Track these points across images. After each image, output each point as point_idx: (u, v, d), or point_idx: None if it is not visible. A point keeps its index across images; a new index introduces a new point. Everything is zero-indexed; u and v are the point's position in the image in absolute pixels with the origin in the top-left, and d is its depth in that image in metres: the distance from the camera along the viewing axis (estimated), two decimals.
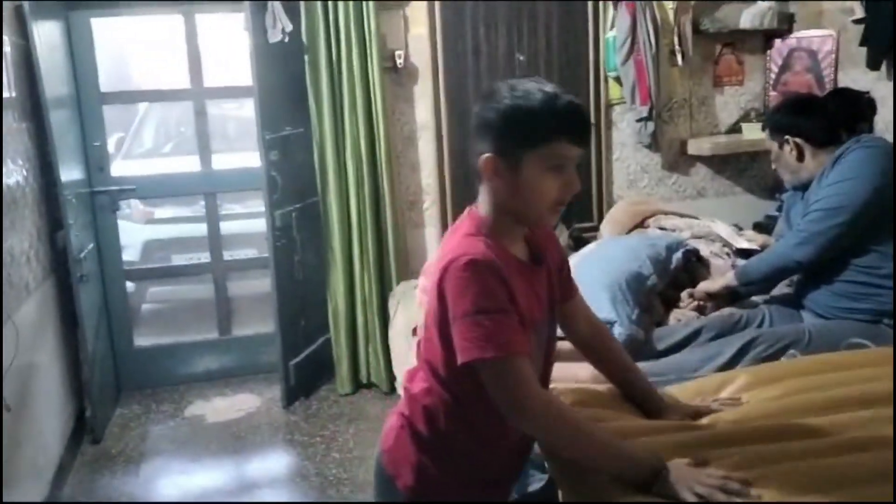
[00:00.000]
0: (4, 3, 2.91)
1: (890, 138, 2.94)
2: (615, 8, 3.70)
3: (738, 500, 1.19)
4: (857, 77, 3.52)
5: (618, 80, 3.80)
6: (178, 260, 4.49)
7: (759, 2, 3.82)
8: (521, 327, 1.28)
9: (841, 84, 3.67)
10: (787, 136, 2.36)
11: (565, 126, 1.28)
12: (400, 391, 2.53)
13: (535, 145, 1.27)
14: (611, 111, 3.91)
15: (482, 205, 1.36)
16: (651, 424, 1.45)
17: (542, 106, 1.26)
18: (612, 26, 3.73)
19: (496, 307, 1.24)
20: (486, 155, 1.29)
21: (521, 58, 3.72)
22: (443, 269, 1.27)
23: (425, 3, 3.57)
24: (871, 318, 2.19)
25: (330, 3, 3.36)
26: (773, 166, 2.49)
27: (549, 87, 1.29)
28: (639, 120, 3.82)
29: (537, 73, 3.73)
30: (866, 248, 2.21)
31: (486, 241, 1.29)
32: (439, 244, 3.32)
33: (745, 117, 3.99)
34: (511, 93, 1.28)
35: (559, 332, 1.50)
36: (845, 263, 2.24)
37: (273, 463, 3.19)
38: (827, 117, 2.36)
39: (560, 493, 1.44)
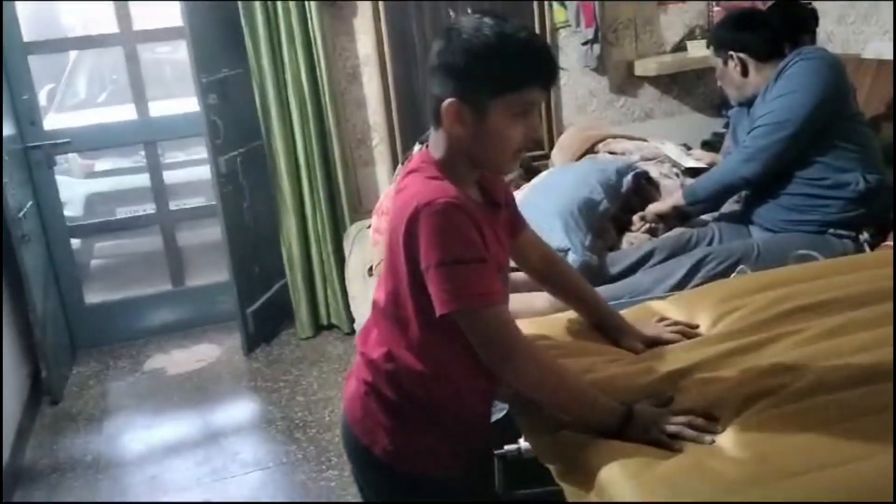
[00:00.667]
0: None
1: (831, 49, 2.96)
2: None
3: (707, 437, 1.20)
4: None
5: (562, 3, 3.73)
6: (123, 213, 4.38)
7: None
8: (497, 274, 1.27)
9: None
10: (730, 52, 2.35)
11: (538, 72, 1.23)
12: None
13: (505, 91, 1.21)
14: (556, 35, 3.84)
15: (436, 149, 1.29)
16: (616, 371, 1.42)
17: (514, 51, 1.20)
18: None
19: (474, 255, 1.20)
20: (450, 100, 1.22)
21: None
22: (412, 214, 1.20)
23: None
24: (817, 228, 2.23)
25: None
26: (719, 83, 2.49)
27: (515, 28, 1.22)
28: (584, 43, 3.77)
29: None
30: (811, 160, 2.23)
31: (453, 185, 1.24)
32: (391, 182, 3.30)
33: (690, 35, 3.96)
34: (477, 34, 1.20)
35: (512, 264, 1.48)
36: (791, 177, 2.26)
37: (238, 411, 3.19)
38: (770, 30, 2.35)
39: (521, 425, 1.45)
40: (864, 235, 2.23)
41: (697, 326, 1.57)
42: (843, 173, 2.21)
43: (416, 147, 3.04)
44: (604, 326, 1.56)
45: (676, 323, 1.58)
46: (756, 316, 1.53)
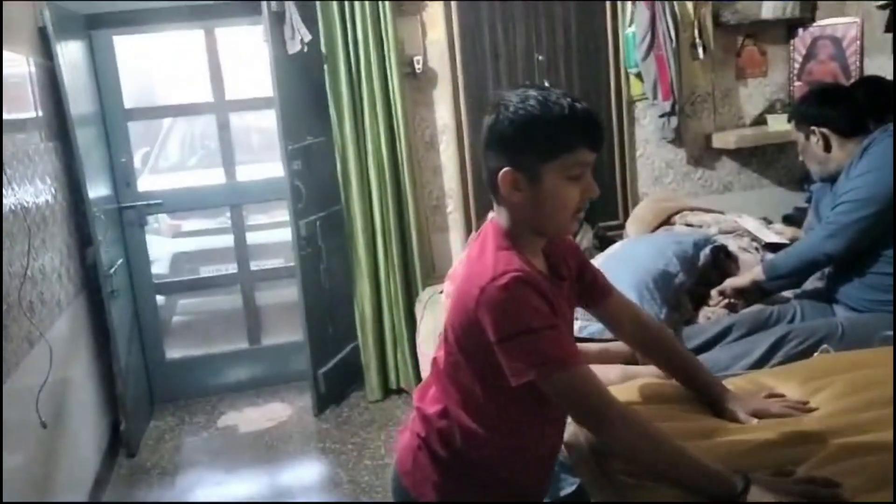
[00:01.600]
0: (30, 26, 2.96)
1: None
2: (634, 4, 3.67)
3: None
4: (884, 64, 3.46)
5: (639, 76, 3.77)
6: (206, 272, 4.53)
7: None
8: (570, 338, 1.28)
9: (867, 72, 3.60)
10: (813, 127, 2.32)
11: (584, 134, 1.27)
12: None
13: (555, 156, 1.25)
14: (633, 108, 3.87)
15: (501, 219, 1.33)
16: (724, 439, 1.39)
17: (559, 116, 1.25)
18: (632, 22, 3.70)
19: (545, 322, 1.22)
20: (505, 170, 1.27)
21: (541, 58, 3.71)
22: (481, 288, 1.23)
23: (441, 5, 3.57)
24: None
25: (347, 11, 3.38)
26: (801, 158, 2.45)
27: (558, 96, 1.27)
28: (661, 115, 3.78)
29: (557, 72, 3.72)
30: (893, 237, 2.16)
31: (519, 256, 1.27)
32: (464, 248, 3.33)
33: (771, 108, 3.93)
34: (523, 104, 1.26)
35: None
36: (877, 255, 2.19)
37: (306, 471, 3.20)
38: (853, 106, 2.32)
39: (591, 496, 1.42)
40: None
41: (807, 403, 1.50)
42: None
43: (491, 214, 3.08)
44: (705, 394, 1.52)
45: (785, 398, 1.52)
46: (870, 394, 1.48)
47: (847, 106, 2.32)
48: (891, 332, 2.02)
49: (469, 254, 1.36)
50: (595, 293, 1.50)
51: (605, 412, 1.24)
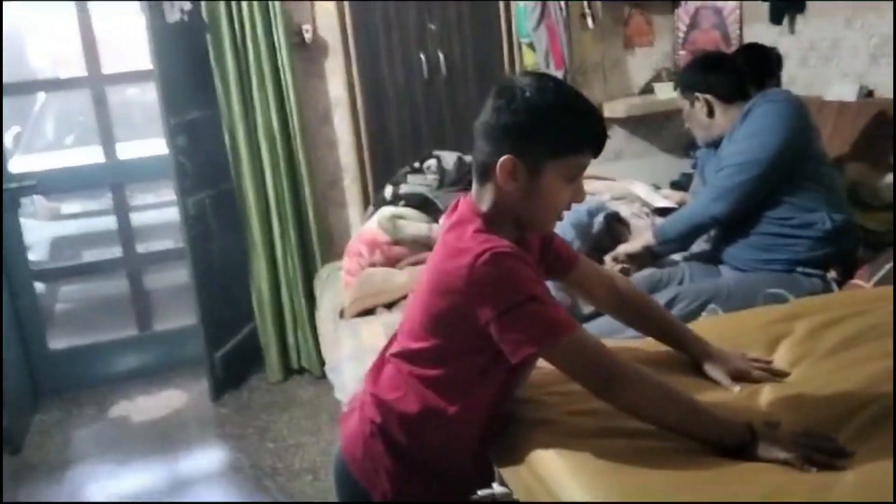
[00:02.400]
0: None
1: (794, 91, 3.02)
2: None
3: (839, 461, 1.17)
4: (761, 32, 3.59)
5: (531, 46, 3.78)
6: (90, 256, 4.30)
7: None
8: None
9: (746, 40, 3.74)
10: (696, 94, 2.39)
11: (594, 138, 1.26)
12: (332, 379, 2.48)
13: (563, 154, 1.23)
14: None
15: (480, 202, 1.29)
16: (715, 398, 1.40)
17: (576, 115, 1.23)
18: None
19: (543, 292, 1.21)
20: (507, 157, 1.23)
21: (433, 27, 3.66)
22: (470, 267, 1.19)
23: None
24: (786, 267, 2.24)
25: None
26: (686, 124, 2.52)
27: (575, 93, 1.24)
28: None
29: (451, 42, 3.69)
30: (778, 200, 2.25)
31: (500, 237, 1.24)
32: (362, 223, 3.28)
33: (657, 77, 4.03)
34: (541, 94, 1.22)
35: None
36: (760, 217, 2.28)
37: (205, 458, 3.10)
38: (735, 73, 2.39)
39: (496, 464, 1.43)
40: (832, 274, 2.25)
41: (788, 375, 1.50)
42: (809, 213, 2.23)
43: (389, 188, 3.04)
44: (687, 352, 1.52)
45: (759, 361, 1.52)
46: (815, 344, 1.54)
47: (728, 73, 2.39)
48: (774, 290, 2.11)
49: (443, 236, 1.31)
50: (562, 263, 1.48)
51: (617, 371, 1.23)
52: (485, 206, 1.29)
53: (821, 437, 1.22)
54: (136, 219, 4.00)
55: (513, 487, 1.32)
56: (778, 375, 1.48)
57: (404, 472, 1.34)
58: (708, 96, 2.37)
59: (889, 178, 2.72)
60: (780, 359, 1.56)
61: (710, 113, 2.38)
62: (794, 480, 1.13)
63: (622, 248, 2.51)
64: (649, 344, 1.60)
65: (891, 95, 3.02)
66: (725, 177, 2.27)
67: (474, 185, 1.32)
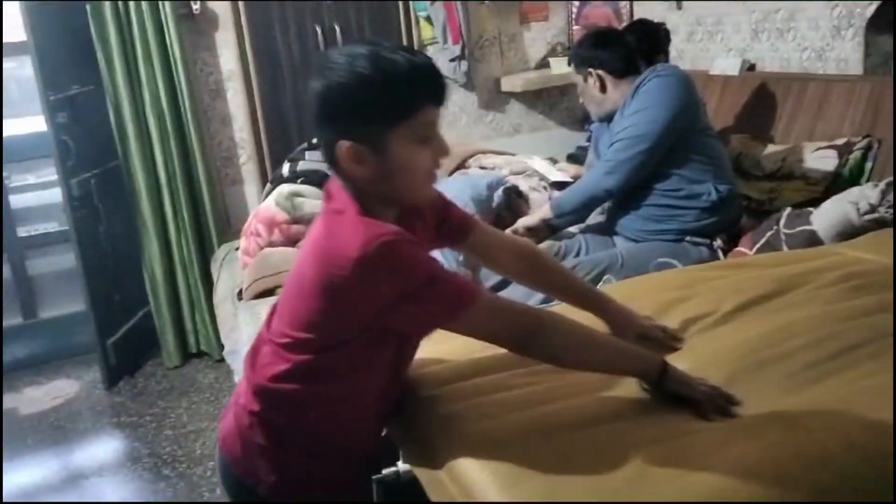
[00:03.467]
0: None
1: (682, 65, 3.12)
2: None
3: (733, 409, 1.23)
4: (651, 7, 3.69)
5: (428, 19, 3.76)
6: None
7: None
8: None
9: (636, 15, 3.84)
10: (589, 69, 2.43)
11: (428, 91, 1.15)
12: (231, 362, 2.43)
13: (399, 121, 1.12)
14: (424, 51, 3.87)
15: (346, 190, 1.19)
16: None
17: (396, 76, 1.11)
18: None
19: (435, 268, 1.16)
20: (343, 143, 1.13)
21: (329, 0, 3.59)
22: (356, 259, 1.09)
23: None
24: (675, 237, 2.33)
25: None
26: (580, 99, 2.56)
27: (391, 51, 1.12)
28: (452, 59, 3.81)
29: (347, 16, 3.63)
30: (668, 172, 2.33)
31: (381, 222, 1.15)
32: (260, 201, 3.20)
33: (553, 52, 4.09)
34: (353, 68, 1.11)
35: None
36: (650, 189, 2.35)
37: (100, 449, 2.98)
38: (625, 48, 2.45)
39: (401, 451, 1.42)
40: (718, 242, 2.35)
41: (682, 341, 1.50)
42: (696, 184, 2.32)
43: (286, 165, 2.97)
44: (597, 311, 1.49)
45: (659, 328, 1.51)
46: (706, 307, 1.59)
47: (618, 48, 2.44)
48: (664, 259, 2.19)
49: (319, 225, 1.21)
50: (460, 230, 1.41)
51: (537, 321, 1.21)
52: (353, 194, 1.19)
53: (716, 386, 1.28)
54: (16, 200, 3.79)
55: (428, 488, 1.28)
56: (675, 340, 1.51)
57: (288, 459, 1.27)
58: (600, 71, 2.42)
59: (770, 148, 2.86)
60: (670, 324, 1.61)
61: (603, 88, 2.43)
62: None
63: (521, 222, 2.54)
64: (566, 309, 1.61)
65: (771, 70, 3.16)
66: (617, 150, 2.33)
67: (333, 176, 1.23)
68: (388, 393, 1.33)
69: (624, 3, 3.90)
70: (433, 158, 1.19)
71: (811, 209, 2.23)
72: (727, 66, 3.27)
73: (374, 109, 1.12)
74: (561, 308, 1.54)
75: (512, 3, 4.00)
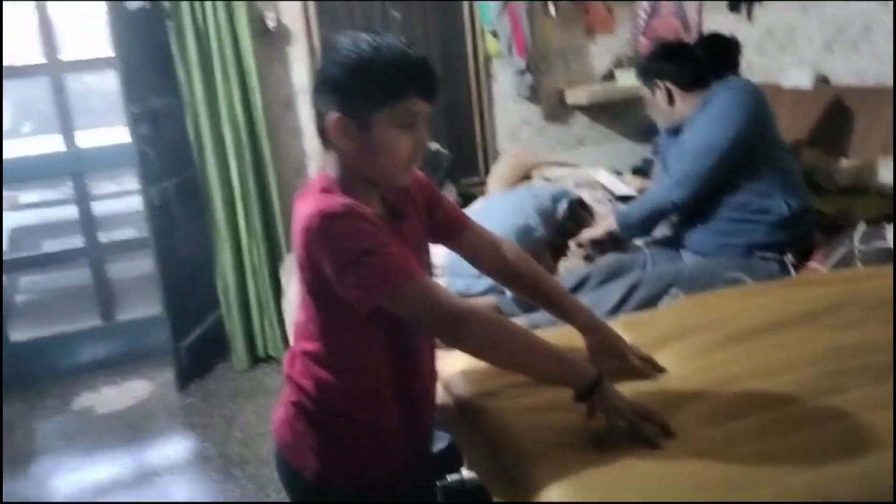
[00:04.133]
0: None
1: (751, 78, 3.08)
2: None
3: (664, 440, 1.21)
4: (720, 20, 3.66)
5: (494, 33, 3.80)
6: (50, 246, 4.23)
7: None
8: (407, 250, 1.25)
9: (706, 28, 3.80)
10: (657, 81, 2.43)
11: (418, 82, 1.23)
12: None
13: (386, 103, 1.21)
14: (489, 64, 3.91)
15: (331, 167, 1.29)
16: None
17: (392, 62, 1.20)
18: None
19: (378, 242, 1.19)
20: (334, 114, 1.22)
21: (397, 15, 3.66)
22: (305, 229, 1.20)
23: None
24: (745, 252, 2.30)
25: None
26: (647, 111, 2.56)
27: (391, 41, 1.22)
28: (517, 72, 3.84)
29: (414, 30, 3.69)
30: (737, 185, 2.31)
31: (343, 196, 1.23)
32: None
33: (618, 64, 4.07)
34: (356, 48, 1.21)
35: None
36: (719, 202, 2.33)
37: (172, 449, 3.08)
38: (693, 61, 2.44)
39: (465, 459, 1.44)
40: (789, 257, 2.31)
41: (663, 371, 1.49)
42: (767, 199, 2.29)
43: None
44: (575, 322, 1.49)
45: (642, 358, 1.50)
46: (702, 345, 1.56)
47: (687, 61, 2.43)
48: (735, 274, 2.17)
49: (295, 211, 1.29)
50: (448, 228, 1.47)
51: (459, 314, 1.21)
52: (334, 171, 1.28)
53: (654, 413, 1.25)
54: (98, 208, 3.95)
55: (496, 495, 1.31)
56: (654, 369, 1.48)
57: (330, 446, 1.32)
58: (668, 84, 2.41)
59: (843, 163, 2.80)
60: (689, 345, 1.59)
61: (671, 100, 2.42)
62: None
63: (586, 234, 2.55)
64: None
65: (845, 83, 3.10)
66: (686, 163, 2.32)
67: (322, 153, 1.32)
68: (411, 390, 1.34)
69: (693, 15, 3.87)
70: (413, 146, 1.26)
71: (887, 225, 2.17)
72: (799, 78, 3.21)
73: (365, 88, 1.21)
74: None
75: (578, 16, 4.01)
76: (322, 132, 1.27)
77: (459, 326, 1.22)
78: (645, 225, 2.48)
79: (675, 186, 2.34)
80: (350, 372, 1.30)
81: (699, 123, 2.33)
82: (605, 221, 2.58)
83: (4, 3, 3.23)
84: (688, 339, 1.59)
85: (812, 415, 1.27)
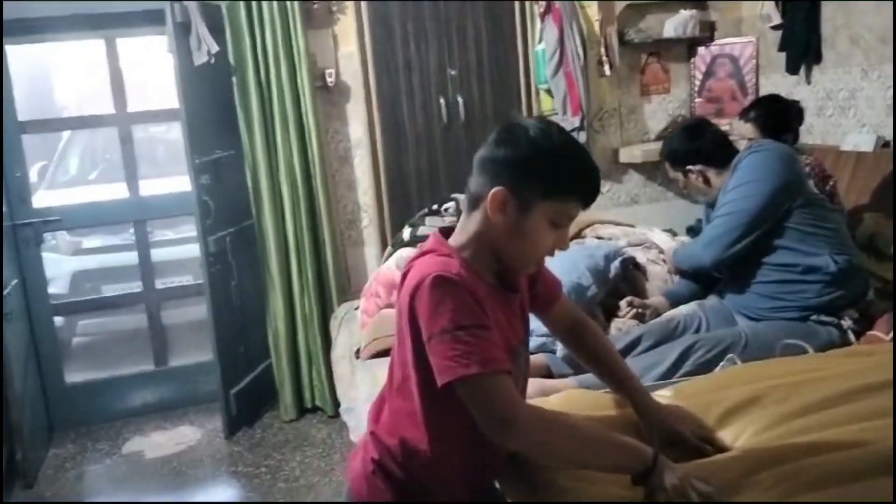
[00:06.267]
0: None
1: (810, 140, 3.04)
2: (543, 21, 3.74)
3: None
4: (778, 81, 3.64)
5: (549, 92, 3.83)
6: (109, 291, 4.34)
7: (682, 11, 3.91)
8: (500, 344, 1.26)
9: (762, 88, 3.78)
10: (688, 167, 2.44)
11: (586, 190, 1.29)
12: (347, 420, 2.48)
13: (555, 196, 1.25)
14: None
15: (460, 231, 1.32)
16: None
17: (575, 162, 1.26)
18: (541, 39, 3.76)
19: (474, 322, 1.20)
20: (500, 188, 1.25)
21: (453, 72, 3.73)
22: (413, 288, 1.22)
23: (353, 20, 3.55)
24: (799, 315, 2.24)
25: (256, 22, 3.32)
26: (685, 192, 2.57)
27: (577, 142, 1.29)
28: (571, 130, 3.86)
29: (470, 87, 3.75)
30: (775, 246, 2.28)
31: (459, 261, 1.26)
32: (380, 263, 3.31)
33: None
34: (545, 135, 1.26)
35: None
36: (761, 265, 2.31)
37: (217, 496, 3.09)
38: (719, 136, 2.47)
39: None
40: (847, 322, 2.23)
41: (725, 450, 1.46)
42: (813, 257, 2.24)
43: (407, 230, 3.06)
44: (631, 403, 1.50)
45: (705, 430, 1.48)
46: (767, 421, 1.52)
47: (712, 138, 2.45)
48: (791, 340, 2.11)
49: (406, 267, 1.33)
50: (543, 300, 1.50)
51: (513, 418, 1.20)
52: (465, 237, 1.31)
53: (713, 494, 1.23)
54: (156, 254, 4.04)
55: None
56: (719, 449, 1.45)
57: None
58: (699, 167, 2.43)
59: None
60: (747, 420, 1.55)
61: (707, 182, 2.45)
62: None
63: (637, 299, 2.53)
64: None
65: None
66: (714, 226, 2.36)
67: (462, 217, 1.34)
68: (486, 453, 1.34)
69: (749, 76, 3.86)
70: (554, 244, 1.30)
71: None
72: (860, 141, 3.16)
73: (543, 175, 1.25)
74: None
75: (633, 75, 4.03)
76: (476, 199, 1.29)
77: (510, 429, 1.21)
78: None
79: (704, 248, 2.38)
80: (440, 433, 1.31)
81: (729, 187, 2.36)
82: (661, 280, 2.56)
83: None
84: (753, 412, 1.55)
85: (885, 489, 1.23)
